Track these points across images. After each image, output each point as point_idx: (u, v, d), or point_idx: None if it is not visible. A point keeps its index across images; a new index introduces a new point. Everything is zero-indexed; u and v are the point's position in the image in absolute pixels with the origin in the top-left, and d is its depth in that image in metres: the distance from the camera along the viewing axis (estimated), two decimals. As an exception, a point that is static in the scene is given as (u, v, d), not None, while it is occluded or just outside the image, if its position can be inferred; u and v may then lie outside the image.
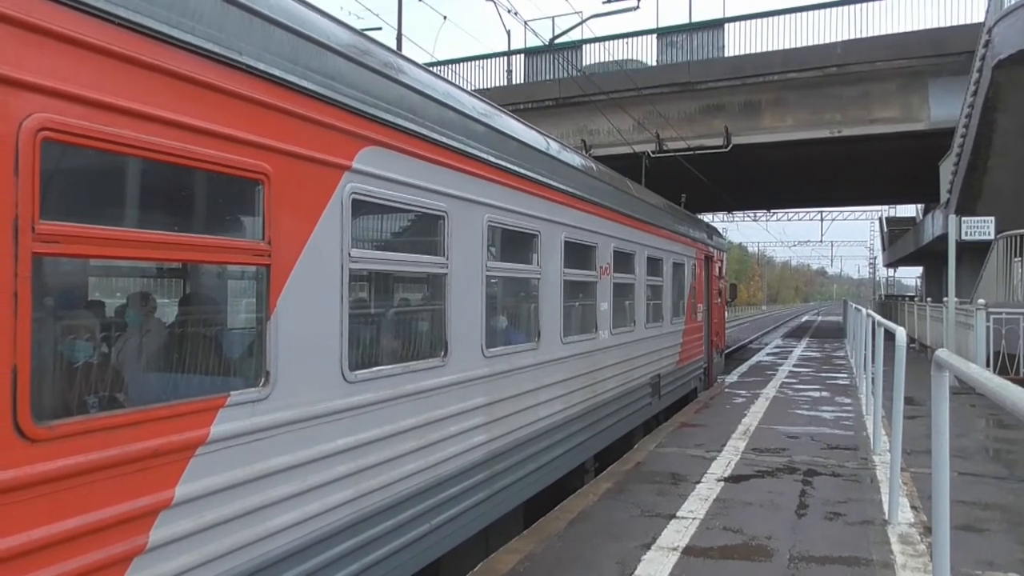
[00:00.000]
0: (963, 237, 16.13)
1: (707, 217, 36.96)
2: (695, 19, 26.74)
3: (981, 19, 18.34)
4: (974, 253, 19.78)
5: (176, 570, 3.08)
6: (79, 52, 2.72)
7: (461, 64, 28.86)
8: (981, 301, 15.16)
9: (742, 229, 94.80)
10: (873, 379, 10.50)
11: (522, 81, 28.35)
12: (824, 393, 14.73)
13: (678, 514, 6.69)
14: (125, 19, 2.86)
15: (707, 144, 23.00)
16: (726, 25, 25.51)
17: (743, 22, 25.14)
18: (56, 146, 2.65)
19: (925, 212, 39.24)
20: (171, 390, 3.59)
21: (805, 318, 74.60)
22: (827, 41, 23.36)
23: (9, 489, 2.50)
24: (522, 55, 28.67)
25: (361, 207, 4.32)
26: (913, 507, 6.83)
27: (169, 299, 4.83)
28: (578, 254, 8.03)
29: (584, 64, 25.55)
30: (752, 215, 57.72)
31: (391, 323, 5.56)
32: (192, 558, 3.15)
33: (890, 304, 39.04)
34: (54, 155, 2.66)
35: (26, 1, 2.54)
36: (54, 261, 3.01)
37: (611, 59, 26.11)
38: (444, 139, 5.13)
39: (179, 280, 4.93)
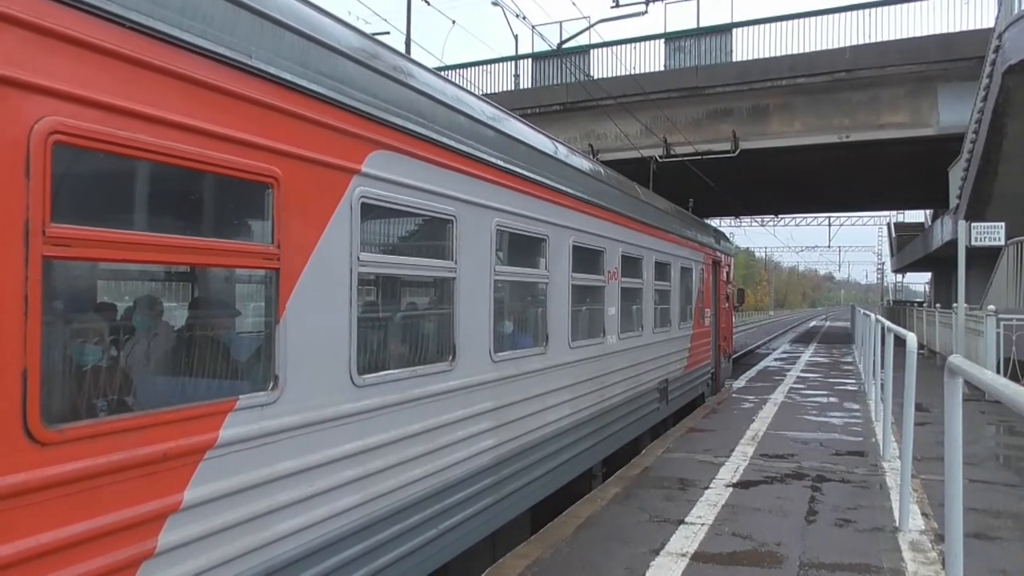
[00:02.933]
0: (973, 243, 16.06)
1: (714, 222, 36.87)
2: (703, 24, 26.72)
3: (991, 24, 18.29)
4: (984, 259, 19.67)
5: (184, 574, 3.07)
6: (89, 55, 2.72)
7: (469, 69, 28.92)
8: (991, 307, 15.08)
9: (749, 234, 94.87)
10: (882, 385, 10.44)
11: (530, 85, 28.39)
12: (833, 399, 14.67)
13: (687, 520, 6.66)
14: (136, 22, 2.86)
15: (715, 149, 22.99)
16: (734, 30, 25.48)
17: (751, 27, 25.11)
18: (67, 149, 2.65)
19: (934, 218, 39.10)
20: (180, 394, 3.59)
21: (813, 323, 74.36)
22: (836, 46, 23.31)
23: (19, 493, 2.49)
24: (530, 60, 28.72)
25: (370, 211, 4.32)
26: (924, 514, 6.78)
27: (178, 303, 4.83)
28: (586, 258, 8.01)
29: (592, 73, 25.55)
30: (759, 220, 57.58)
31: (399, 327, 5.55)
32: (200, 562, 3.14)
33: (898, 310, 38.91)
34: (65, 158, 2.66)
35: (37, 4, 2.55)
36: (64, 264, 3.01)
37: (619, 66, 26.12)
38: (453, 143, 5.12)
39: (188, 284, 4.93)
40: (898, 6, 23.18)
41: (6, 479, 2.45)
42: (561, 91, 26.07)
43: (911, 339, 6.98)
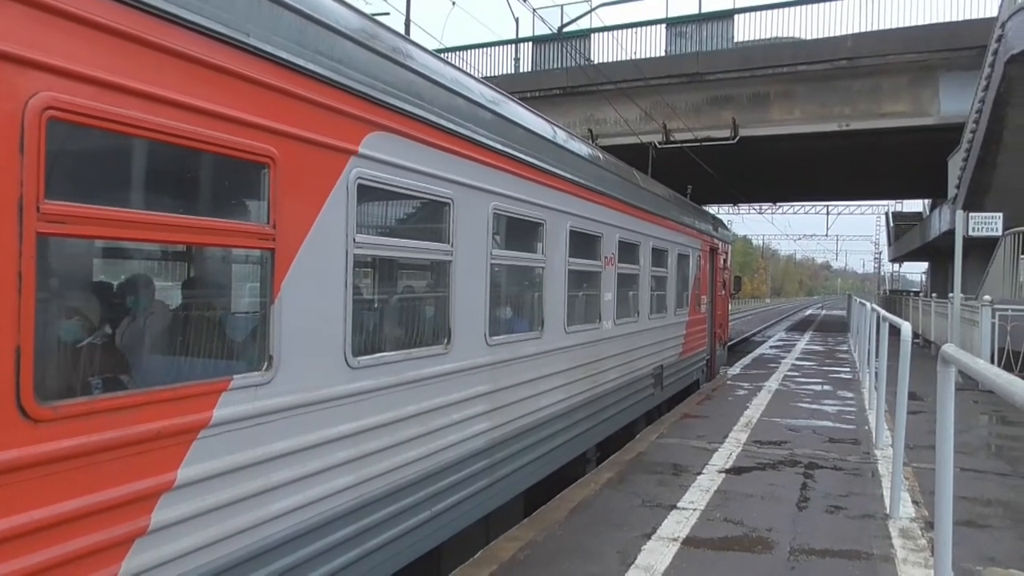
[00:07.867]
0: (970, 233, 16.08)
1: (713, 209, 36.82)
2: (705, 10, 26.54)
3: (994, 13, 18.20)
4: (981, 249, 19.69)
5: (177, 552, 3.08)
6: (85, 31, 2.69)
7: (469, 51, 28.74)
8: (987, 297, 15.12)
9: (747, 222, 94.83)
10: (876, 373, 10.48)
11: (530, 69, 28.21)
12: (827, 387, 14.72)
13: (679, 505, 6.70)
14: (132, -2, 2.83)
15: (714, 136, 22.90)
16: (736, 16, 25.34)
17: (753, 13, 24.99)
18: (61, 126, 2.63)
19: (932, 207, 39.10)
20: (174, 373, 3.59)
21: (809, 312, 74.49)
22: (837, 34, 23.20)
23: (12, 469, 2.50)
24: (530, 43, 28.53)
25: (366, 192, 4.30)
26: (915, 502, 6.82)
27: (173, 282, 4.82)
28: (583, 243, 8.00)
29: (592, 58, 25.40)
30: (758, 208, 57.57)
31: (395, 309, 5.55)
32: (193, 541, 3.16)
33: (895, 299, 38.96)
34: (59, 135, 2.65)
35: (32, -22, 2.52)
36: (58, 241, 3.00)
37: (620, 51, 25.99)
38: (451, 126, 5.10)
39: (183, 263, 4.91)
40: (901, -7, 23.06)
41: (-1, 455, 2.46)
42: (561, 75, 25.92)
43: (906, 328, 7.00)
